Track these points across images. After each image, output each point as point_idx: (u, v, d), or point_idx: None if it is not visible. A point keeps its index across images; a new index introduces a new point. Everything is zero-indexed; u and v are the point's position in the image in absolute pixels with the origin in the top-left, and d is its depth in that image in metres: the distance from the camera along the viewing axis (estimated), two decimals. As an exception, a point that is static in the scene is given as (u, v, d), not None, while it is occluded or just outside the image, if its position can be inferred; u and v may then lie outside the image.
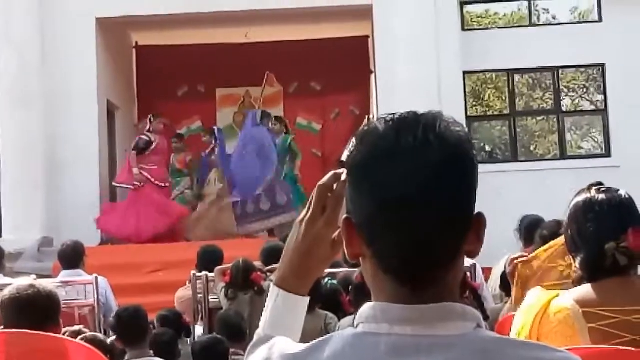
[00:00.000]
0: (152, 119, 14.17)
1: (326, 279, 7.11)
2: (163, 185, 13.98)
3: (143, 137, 14.06)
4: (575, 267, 2.68)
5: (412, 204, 1.41)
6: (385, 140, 1.45)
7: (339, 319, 6.52)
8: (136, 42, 16.84)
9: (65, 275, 8.38)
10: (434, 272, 1.44)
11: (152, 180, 13.79)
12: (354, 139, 1.50)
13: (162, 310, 7.31)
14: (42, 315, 3.88)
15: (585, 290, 2.58)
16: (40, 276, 8.37)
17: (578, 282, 2.64)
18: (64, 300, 6.96)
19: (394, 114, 1.49)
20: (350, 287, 6.50)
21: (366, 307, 1.47)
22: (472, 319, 1.44)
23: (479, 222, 1.46)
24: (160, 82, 16.21)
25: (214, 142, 14.25)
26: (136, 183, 13.66)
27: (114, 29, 15.27)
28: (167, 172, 14.17)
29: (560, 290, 2.64)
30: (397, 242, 1.42)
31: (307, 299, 1.74)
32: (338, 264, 6.97)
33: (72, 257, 8.56)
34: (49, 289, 4.04)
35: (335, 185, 1.63)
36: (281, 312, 1.71)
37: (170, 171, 14.31)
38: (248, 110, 14.79)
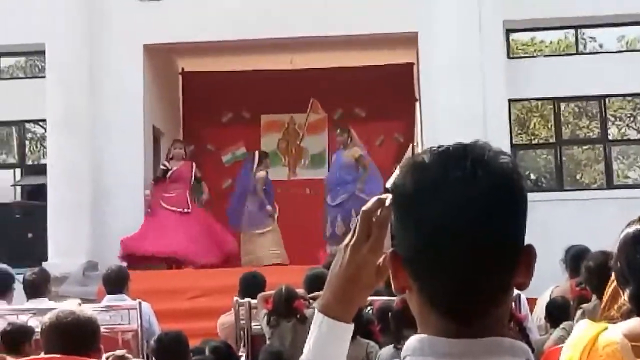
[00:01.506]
0: (173, 145, 14.30)
1: (368, 308, 7.08)
2: (182, 210, 13.87)
3: (161, 166, 14.22)
4: (624, 300, 2.63)
5: (460, 241, 1.38)
6: (431, 172, 1.42)
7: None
8: (182, 68, 16.98)
9: (109, 299, 8.42)
10: (483, 307, 1.41)
11: (170, 207, 13.82)
12: (399, 170, 1.48)
13: (214, 341, 7.29)
14: (82, 341, 3.90)
15: (635, 323, 2.52)
16: (84, 300, 8.42)
17: (627, 316, 2.58)
18: (107, 325, 7.02)
19: (440, 145, 1.47)
20: (389, 315, 6.47)
21: (413, 340, 1.44)
22: (520, 354, 1.41)
23: (529, 254, 1.44)
24: (206, 108, 16.33)
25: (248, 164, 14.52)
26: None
27: (160, 56, 15.43)
28: (188, 198, 14.04)
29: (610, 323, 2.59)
30: (445, 279, 1.40)
31: (352, 326, 1.71)
32: (377, 291, 6.93)
33: (116, 281, 8.61)
34: (89, 314, 4.06)
35: (379, 211, 1.62)
36: (325, 339, 1.69)
37: None
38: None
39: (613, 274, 3.06)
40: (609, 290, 3.04)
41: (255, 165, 14.46)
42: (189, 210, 13.90)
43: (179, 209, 13.82)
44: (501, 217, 1.40)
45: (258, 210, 14.21)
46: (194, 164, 14.27)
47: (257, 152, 14.94)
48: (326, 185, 14.31)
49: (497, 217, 1.40)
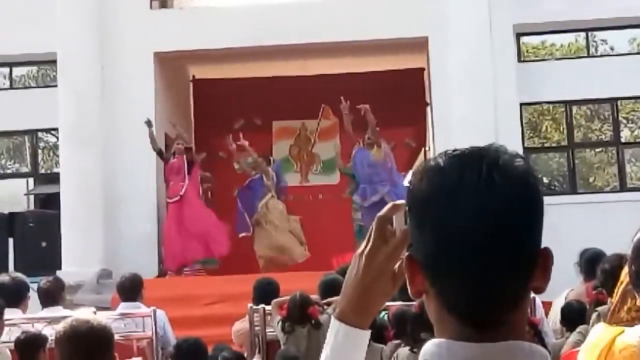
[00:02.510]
0: (175, 141, 14.29)
1: (382, 313, 7.07)
2: (176, 199, 13.82)
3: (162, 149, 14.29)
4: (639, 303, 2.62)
5: (478, 246, 1.38)
6: (447, 177, 1.42)
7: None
8: (193, 76, 17.01)
9: (124, 307, 8.43)
10: (501, 312, 1.41)
11: (169, 200, 13.88)
12: (414, 174, 1.48)
13: (225, 352, 7.29)
14: (96, 350, 3.91)
15: (651, 326, 2.51)
16: (99, 308, 8.44)
17: (644, 319, 2.57)
18: (122, 333, 7.03)
19: (456, 149, 1.47)
20: (408, 318, 6.47)
21: (430, 345, 1.44)
22: (539, 358, 1.41)
23: (546, 257, 1.43)
24: (217, 115, 16.33)
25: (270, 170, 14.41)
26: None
27: (171, 63, 15.46)
28: (184, 187, 13.90)
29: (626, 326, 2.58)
30: (462, 284, 1.39)
31: (369, 332, 1.70)
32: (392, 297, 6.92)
33: (131, 289, 8.61)
34: (104, 324, 4.06)
35: (395, 217, 1.61)
36: (342, 346, 1.68)
37: None
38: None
39: (622, 276, 3.05)
40: (618, 293, 3.03)
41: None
42: (182, 194, 13.84)
43: (174, 199, 13.82)
44: (518, 221, 1.40)
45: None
46: (184, 157, 14.14)
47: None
48: (354, 184, 13.84)
49: (514, 221, 1.39)
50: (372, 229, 1.64)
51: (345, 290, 1.68)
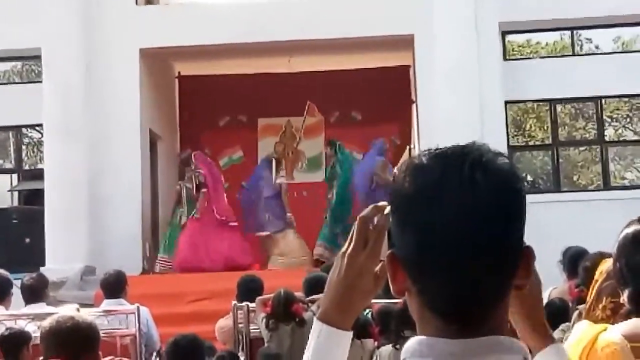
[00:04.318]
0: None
1: (367, 311, 7.08)
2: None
3: None
4: (623, 300, 2.63)
5: (461, 245, 1.38)
6: (430, 175, 1.42)
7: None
8: (179, 72, 16.98)
9: (107, 304, 8.42)
10: (484, 310, 1.41)
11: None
12: (397, 173, 1.48)
13: (220, 352, 7.29)
14: (81, 347, 3.91)
15: (634, 324, 2.53)
16: (82, 305, 8.44)
17: (626, 316, 2.59)
18: (106, 330, 7.01)
19: (438, 147, 1.47)
20: (392, 315, 6.49)
21: (412, 342, 1.44)
22: (518, 352, 1.42)
23: (528, 255, 1.44)
24: (202, 111, 16.34)
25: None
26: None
27: (156, 60, 15.42)
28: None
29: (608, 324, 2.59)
30: (444, 283, 1.39)
31: (351, 333, 1.69)
32: (376, 295, 6.93)
33: (114, 286, 8.60)
34: (89, 320, 4.07)
35: (376, 218, 1.61)
36: (325, 347, 1.67)
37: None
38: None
39: (596, 275, 3.07)
40: (592, 292, 3.05)
41: (274, 171, 14.49)
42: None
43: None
44: (501, 220, 1.40)
45: (280, 216, 14.27)
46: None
47: (274, 159, 14.92)
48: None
49: (496, 220, 1.39)
50: (354, 229, 1.64)
51: (328, 290, 1.68)
